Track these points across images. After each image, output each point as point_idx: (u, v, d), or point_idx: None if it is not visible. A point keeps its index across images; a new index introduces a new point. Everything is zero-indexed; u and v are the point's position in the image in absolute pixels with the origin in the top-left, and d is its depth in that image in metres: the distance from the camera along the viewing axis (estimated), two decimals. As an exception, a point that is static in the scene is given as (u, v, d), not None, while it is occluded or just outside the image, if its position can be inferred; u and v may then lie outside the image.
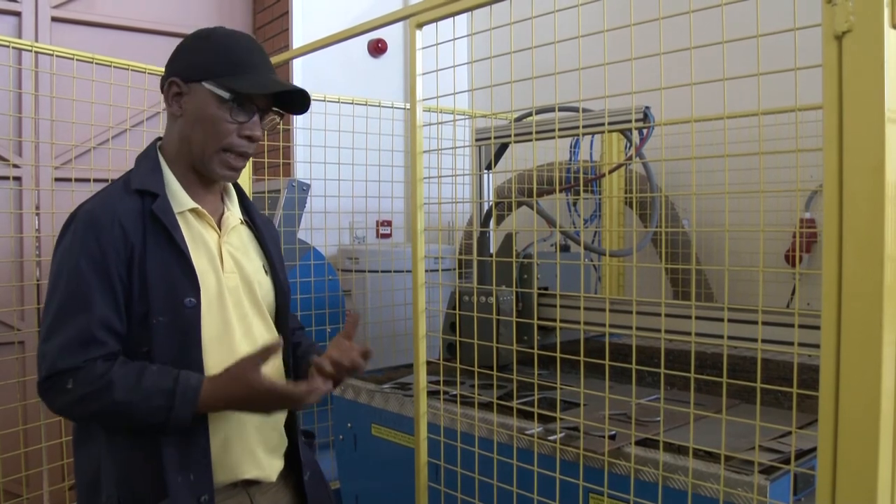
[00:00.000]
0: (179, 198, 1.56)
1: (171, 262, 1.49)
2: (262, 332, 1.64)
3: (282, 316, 1.71)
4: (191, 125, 1.55)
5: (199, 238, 1.57)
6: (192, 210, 1.58)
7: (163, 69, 1.62)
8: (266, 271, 1.70)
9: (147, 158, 1.60)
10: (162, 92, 1.60)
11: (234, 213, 1.69)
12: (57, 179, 3.21)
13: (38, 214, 3.68)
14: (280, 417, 1.68)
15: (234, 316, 1.58)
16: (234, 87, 1.52)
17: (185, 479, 1.46)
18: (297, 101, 1.63)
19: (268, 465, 1.62)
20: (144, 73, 2.83)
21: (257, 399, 1.46)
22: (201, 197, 1.61)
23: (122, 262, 1.45)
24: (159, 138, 1.67)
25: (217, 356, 1.53)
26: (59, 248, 1.50)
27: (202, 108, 1.53)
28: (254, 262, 1.67)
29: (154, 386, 1.41)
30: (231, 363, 1.48)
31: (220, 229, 1.63)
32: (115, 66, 2.77)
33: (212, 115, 1.52)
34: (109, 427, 1.48)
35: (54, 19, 4.03)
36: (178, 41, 1.64)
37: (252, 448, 1.59)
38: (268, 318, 1.68)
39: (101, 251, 1.44)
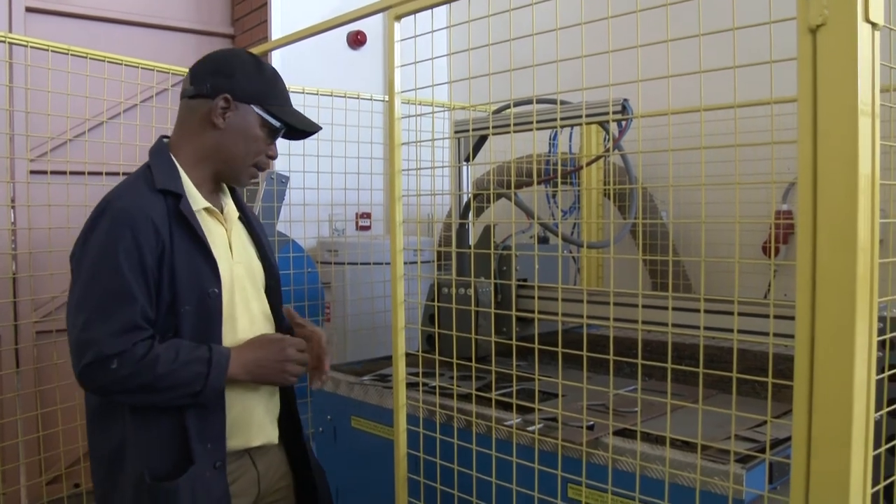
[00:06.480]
0: (195, 197, 1.76)
1: (195, 256, 1.69)
2: (258, 308, 1.87)
3: (274, 295, 1.93)
4: (233, 140, 1.78)
5: (212, 232, 1.77)
6: (205, 208, 1.78)
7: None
8: (258, 257, 1.92)
9: (162, 159, 1.77)
10: (187, 97, 1.79)
11: (231, 207, 1.90)
12: (32, 172, 3.18)
13: (13, 207, 3.63)
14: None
15: (239, 298, 1.80)
16: (286, 119, 1.80)
17: (204, 448, 1.66)
18: (300, 135, 1.90)
19: (272, 431, 1.87)
20: (121, 64, 2.79)
21: (270, 351, 1.75)
22: (209, 195, 1.82)
23: (154, 256, 1.63)
24: (164, 136, 1.86)
25: (225, 333, 1.74)
26: (93, 240, 1.64)
27: (249, 128, 1.78)
28: (250, 250, 1.90)
29: (192, 356, 1.62)
30: (237, 338, 1.76)
31: (225, 223, 1.84)
32: (91, 58, 2.74)
33: (255, 136, 1.79)
34: (140, 404, 1.65)
35: (28, 9, 3.96)
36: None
37: (261, 419, 1.83)
38: (263, 298, 1.90)
39: (136, 247, 1.61)
